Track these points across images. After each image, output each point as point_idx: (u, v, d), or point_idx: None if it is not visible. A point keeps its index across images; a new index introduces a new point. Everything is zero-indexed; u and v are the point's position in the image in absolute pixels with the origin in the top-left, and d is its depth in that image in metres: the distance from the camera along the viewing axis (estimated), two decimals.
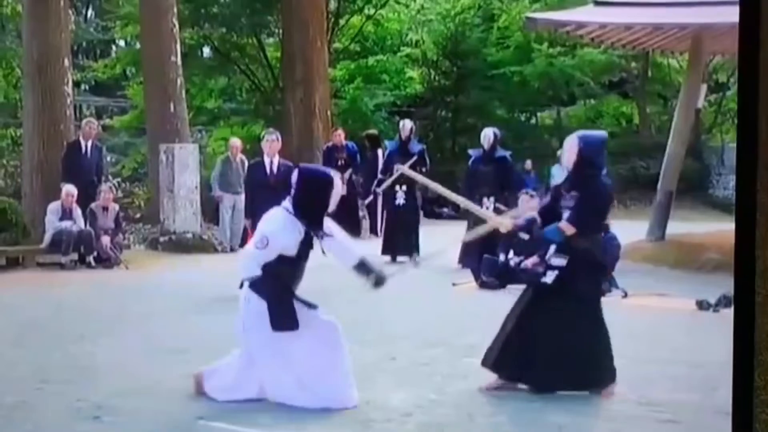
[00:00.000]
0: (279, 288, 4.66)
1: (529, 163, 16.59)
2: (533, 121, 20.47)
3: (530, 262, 8.77)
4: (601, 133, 5.64)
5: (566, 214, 4.90)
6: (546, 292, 4.95)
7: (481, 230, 5.72)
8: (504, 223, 5.29)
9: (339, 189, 4.79)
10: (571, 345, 4.85)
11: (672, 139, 11.71)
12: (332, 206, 4.74)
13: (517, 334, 4.96)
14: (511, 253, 8.97)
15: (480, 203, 10.01)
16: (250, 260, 4.69)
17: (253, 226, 8.41)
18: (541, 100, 19.73)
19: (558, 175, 16.65)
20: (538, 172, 16.79)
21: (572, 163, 4.98)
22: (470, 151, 10.90)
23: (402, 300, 8.23)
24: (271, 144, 8.22)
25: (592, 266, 5.01)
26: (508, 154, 10.41)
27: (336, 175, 4.85)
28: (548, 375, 4.86)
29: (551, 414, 4.60)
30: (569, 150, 5.01)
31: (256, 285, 4.62)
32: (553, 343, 4.85)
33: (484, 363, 5.07)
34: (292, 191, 4.70)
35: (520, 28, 17.06)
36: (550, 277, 4.95)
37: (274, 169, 8.12)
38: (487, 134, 10.22)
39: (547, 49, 18.35)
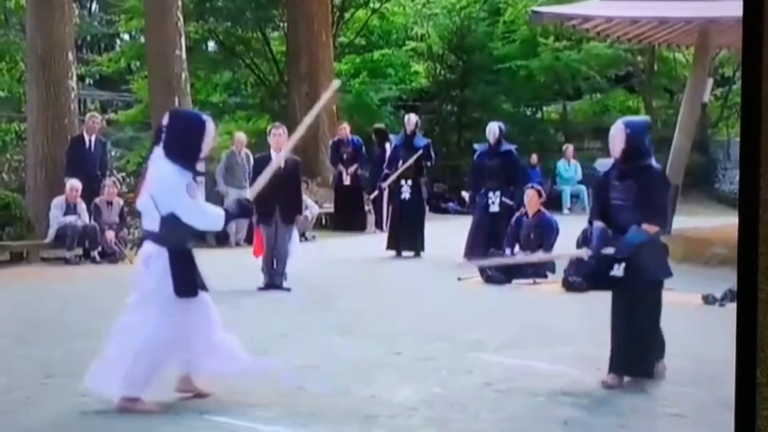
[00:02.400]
0: (181, 247, 4.53)
1: (534, 158, 16.56)
2: (539, 115, 20.41)
3: (536, 256, 8.78)
4: (644, 118, 5.70)
5: (618, 203, 4.91)
6: (619, 284, 4.95)
7: (550, 257, 5.79)
8: (581, 253, 5.31)
9: (212, 134, 4.63)
10: (650, 330, 4.90)
11: (678, 133, 11.65)
12: (205, 151, 4.59)
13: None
14: (516, 248, 8.95)
15: (486, 197, 10.01)
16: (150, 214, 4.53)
17: (260, 222, 8.45)
18: (546, 95, 19.66)
19: (564, 169, 16.66)
20: (544, 167, 16.76)
21: (621, 151, 4.95)
22: (476, 146, 10.87)
23: (407, 295, 8.24)
24: (278, 138, 8.25)
25: (660, 252, 5.00)
26: (513, 148, 10.37)
27: (209, 120, 4.68)
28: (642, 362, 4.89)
29: (556, 408, 4.60)
30: (616, 138, 4.98)
31: (160, 241, 4.46)
32: (637, 330, 4.88)
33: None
34: (163, 135, 4.52)
35: (526, 21, 16.99)
36: (618, 270, 4.96)
37: (281, 163, 8.12)
38: (493, 128, 10.19)
39: (553, 43, 18.28)
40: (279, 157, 7.20)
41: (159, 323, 4.44)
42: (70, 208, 10.49)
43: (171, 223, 4.42)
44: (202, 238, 4.56)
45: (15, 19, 17.09)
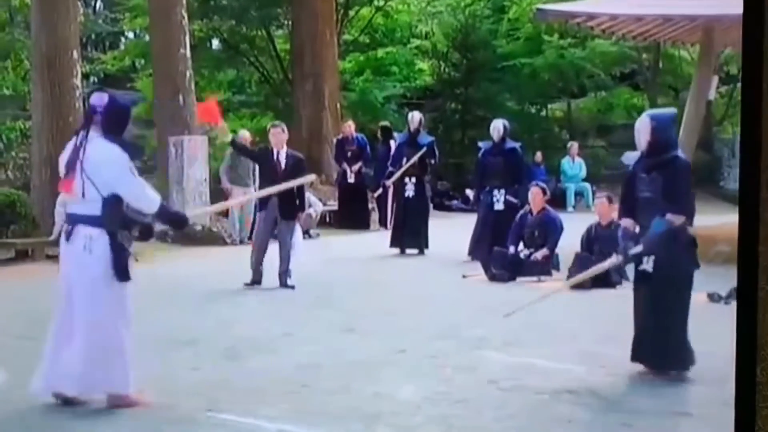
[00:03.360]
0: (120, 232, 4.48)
1: (539, 155, 16.56)
2: (543, 113, 20.40)
3: (540, 254, 8.79)
4: (671, 110, 5.72)
5: (646, 195, 4.96)
6: (648, 278, 4.98)
7: (592, 271, 5.82)
8: (615, 261, 5.33)
9: (130, 113, 4.69)
10: (678, 323, 4.93)
11: (683, 131, 11.62)
12: (129, 127, 4.60)
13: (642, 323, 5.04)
14: (521, 245, 8.95)
15: (490, 195, 10.01)
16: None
17: (259, 217, 8.47)
18: (551, 92, 19.64)
19: (568, 167, 16.65)
20: (548, 164, 16.75)
21: (646, 144, 4.99)
22: (480, 144, 10.87)
23: (411, 292, 8.25)
24: (278, 136, 8.27)
25: (687, 243, 5.02)
26: (518, 145, 10.37)
27: (133, 102, 4.86)
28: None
29: (560, 406, 4.61)
30: (642, 131, 5.02)
31: (100, 224, 4.39)
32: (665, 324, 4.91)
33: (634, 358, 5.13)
34: (99, 117, 4.47)
35: (531, 19, 16.98)
36: (648, 264, 4.96)
37: (282, 160, 8.17)
38: (497, 126, 10.19)
39: (558, 40, 18.26)
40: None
41: (97, 310, 4.40)
42: None
43: (113, 204, 4.38)
44: (128, 227, 4.50)
45: (20, 17, 17.12)
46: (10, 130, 15.41)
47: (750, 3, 1.48)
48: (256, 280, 8.16)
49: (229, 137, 8.30)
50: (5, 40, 16.85)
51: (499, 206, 9.92)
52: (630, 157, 5.23)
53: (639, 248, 4.96)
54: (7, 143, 14.73)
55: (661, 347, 4.96)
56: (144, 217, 4.60)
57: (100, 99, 4.52)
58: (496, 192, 9.96)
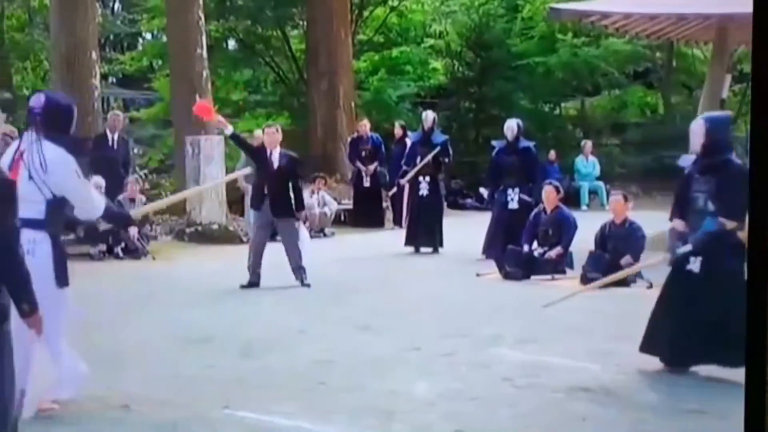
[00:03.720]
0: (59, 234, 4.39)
1: (553, 154, 16.52)
2: (557, 111, 20.36)
3: (554, 252, 8.80)
4: (726, 113, 5.75)
5: (699, 196, 4.99)
6: (693, 278, 5.01)
7: (633, 269, 5.82)
8: (661, 259, 5.36)
9: (73, 114, 4.55)
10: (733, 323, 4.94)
11: None
12: (72, 128, 4.51)
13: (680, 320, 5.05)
14: (534, 244, 8.97)
15: (505, 194, 10.04)
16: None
17: (255, 220, 8.52)
18: (565, 91, 19.58)
19: (582, 166, 16.62)
20: (562, 163, 16.72)
21: (701, 146, 5.03)
22: (494, 143, 10.89)
23: (426, 290, 8.28)
24: (272, 135, 8.37)
25: (736, 247, 5.02)
26: (532, 144, 10.39)
27: (74, 103, 4.66)
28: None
29: (575, 403, 4.63)
30: (696, 133, 5.06)
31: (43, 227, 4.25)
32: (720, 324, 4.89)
33: (643, 350, 5.15)
34: (40, 119, 4.36)
35: (544, 18, 16.96)
36: (695, 264, 4.98)
37: (274, 159, 8.26)
38: (511, 125, 10.21)
39: (572, 39, 18.23)
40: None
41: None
42: None
43: (57, 207, 4.30)
44: (72, 229, 4.43)
45: (39, 18, 17.27)
46: None
47: (759, 1, 1.50)
48: (253, 281, 8.13)
49: (230, 130, 8.38)
50: (25, 41, 17.01)
51: (513, 205, 9.94)
52: (686, 160, 5.27)
53: (688, 247, 4.98)
54: None
55: (717, 344, 4.92)
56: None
57: (37, 100, 4.41)
58: (510, 191, 9.97)
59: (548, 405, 4.65)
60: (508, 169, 10.03)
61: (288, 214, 8.21)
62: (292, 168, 8.36)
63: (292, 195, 8.26)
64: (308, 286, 8.16)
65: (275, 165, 8.22)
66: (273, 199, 8.12)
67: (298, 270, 8.22)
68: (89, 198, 4.45)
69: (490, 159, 10.73)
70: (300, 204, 8.36)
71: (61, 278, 4.31)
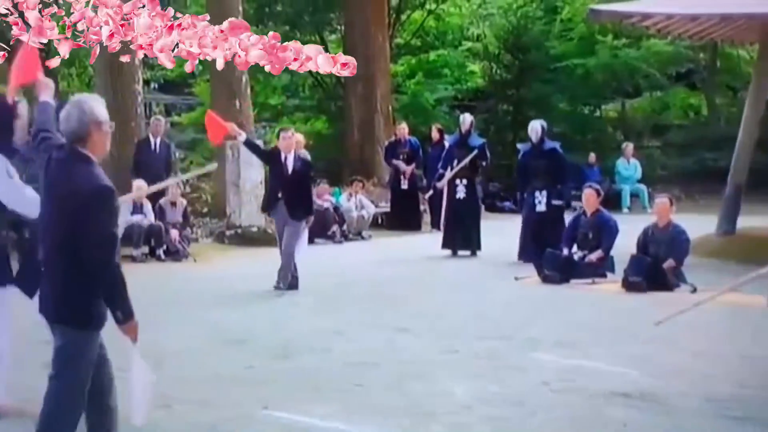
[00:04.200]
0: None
1: (592, 157, 16.38)
2: (597, 113, 20.18)
3: (594, 256, 8.72)
4: None
5: None
6: None
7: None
8: None
9: (26, 116, 4.40)
10: None
11: (742, 131, 11.41)
12: (19, 133, 4.36)
13: None
14: (574, 247, 8.89)
15: (532, 197, 10.03)
16: None
17: (276, 222, 8.57)
18: (604, 93, 19.42)
19: (623, 168, 16.43)
20: (602, 165, 16.56)
21: None
22: (519, 145, 10.90)
23: (464, 293, 8.26)
24: (287, 140, 8.46)
25: None
26: (557, 145, 10.34)
27: (22, 102, 4.45)
28: None
29: (614, 409, 4.58)
30: None
31: None
32: None
33: None
34: None
35: (584, 20, 16.82)
36: None
37: (289, 163, 8.33)
38: (535, 127, 10.19)
39: (612, 40, 18.06)
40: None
41: None
42: (137, 208, 10.77)
43: None
44: (16, 229, 4.35)
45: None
46: None
47: None
48: (292, 284, 8.17)
49: (243, 137, 8.47)
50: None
51: (540, 207, 9.91)
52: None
53: None
54: None
55: None
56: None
57: None
58: (538, 194, 9.94)
59: (587, 410, 4.61)
60: (535, 171, 10.00)
61: (303, 216, 8.27)
62: (306, 171, 8.52)
63: (306, 198, 8.35)
64: (280, 289, 8.07)
65: (290, 169, 8.32)
66: (288, 202, 8.20)
67: (282, 271, 8.14)
68: (22, 198, 4.23)
69: (517, 162, 10.70)
70: (310, 208, 8.42)
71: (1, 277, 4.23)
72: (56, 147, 3.41)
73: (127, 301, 3.30)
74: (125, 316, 3.29)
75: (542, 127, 10.14)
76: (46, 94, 3.78)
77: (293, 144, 8.47)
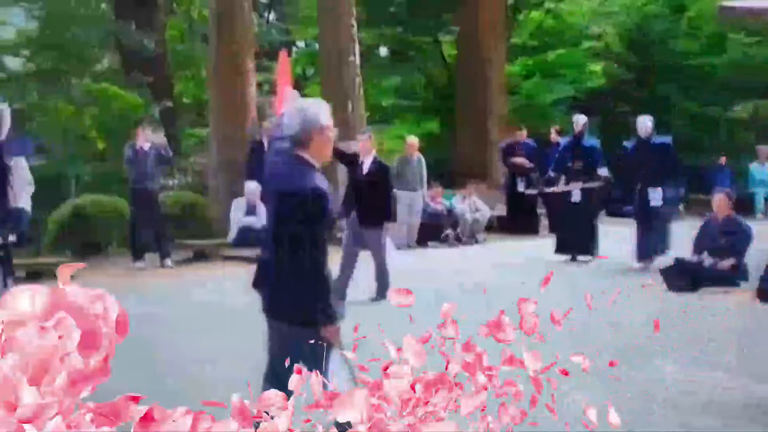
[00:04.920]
0: None
1: (722, 159, 15.52)
2: (726, 114, 19.12)
3: (727, 263, 8.12)
4: None
5: None
6: None
7: None
8: None
9: (8, 120, 4.47)
10: None
11: None
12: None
13: None
14: (704, 254, 8.33)
15: (640, 195, 9.62)
16: None
17: (346, 229, 8.18)
18: (734, 93, 18.38)
19: (756, 172, 15.44)
20: (734, 168, 15.66)
21: None
22: (625, 143, 10.46)
23: (580, 301, 7.83)
24: (365, 143, 8.19)
25: None
26: (669, 139, 9.86)
27: (4, 108, 4.50)
28: None
29: (738, 422, 4.14)
30: None
31: None
32: None
33: None
34: None
35: (714, 17, 15.93)
36: None
37: (365, 166, 8.05)
38: (644, 121, 9.76)
39: (744, 38, 17.06)
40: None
41: None
42: (250, 210, 10.85)
43: None
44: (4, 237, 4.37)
45: (196, 26, 18.02)
46: (188, 137, 16.19)
47: None
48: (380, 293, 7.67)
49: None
50: (185, 51, 17.79)
51: (656, 203, 9.59)
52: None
53: None
54: (186, 149, 15.51)
55: None
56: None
57: None
58: (650, 189, 9.60)
59: (711, 420, 4.19)
60: (643, 167, 9.63)
61: (376, 223, 7.87)
62: (383, 176, 8.12)
63: (382, 204, 7.95)
64: (376, 300, 7.61)
65: (365, 171, 8.04)
66: (360, 207, 7.91)
67: (378, 281, 7.77)
68: None
69: (620, 160, 10.53)
70: (390, 213, 8.11)
71: None
72: (279, 151, 3.47)
73: (331, 306, 3.26)
74: (329, 318, 3.24)
75: (652, 122, 9.74)
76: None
77: (369, 147, 8.19)
